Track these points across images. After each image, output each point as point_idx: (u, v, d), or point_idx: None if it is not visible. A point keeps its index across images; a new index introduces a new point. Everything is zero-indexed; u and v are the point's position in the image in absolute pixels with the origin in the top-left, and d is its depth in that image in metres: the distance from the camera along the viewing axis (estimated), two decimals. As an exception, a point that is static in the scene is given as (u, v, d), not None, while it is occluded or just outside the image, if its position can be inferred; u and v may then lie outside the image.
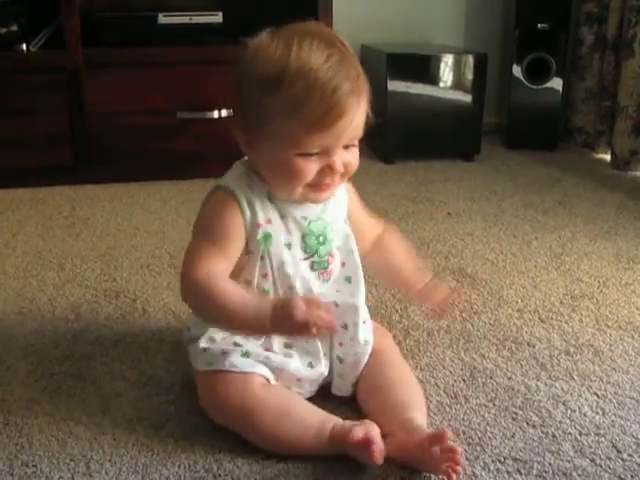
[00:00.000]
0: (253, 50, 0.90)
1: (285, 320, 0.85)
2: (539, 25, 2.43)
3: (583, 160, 2.43)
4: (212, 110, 2.07)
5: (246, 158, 0.99)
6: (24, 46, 1.99)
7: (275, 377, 0.96)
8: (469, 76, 2.34)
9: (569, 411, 1.00)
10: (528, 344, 1.18)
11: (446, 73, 2.34)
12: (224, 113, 2.08)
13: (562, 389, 1.05)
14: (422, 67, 2.33)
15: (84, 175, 2.07)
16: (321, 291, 0.98)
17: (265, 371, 0.95)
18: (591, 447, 0.92)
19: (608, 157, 2.37)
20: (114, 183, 2.07)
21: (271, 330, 0.89)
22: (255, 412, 0.90)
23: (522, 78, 2.47)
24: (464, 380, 1.07)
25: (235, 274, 0.95)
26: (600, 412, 0.99)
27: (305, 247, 0.96)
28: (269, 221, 0.94)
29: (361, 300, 1.01)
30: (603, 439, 0.94)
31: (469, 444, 0.92)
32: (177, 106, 2.07)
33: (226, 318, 0.91)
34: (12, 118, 1.99)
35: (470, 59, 2.34)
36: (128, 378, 1.08)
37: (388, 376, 0.98)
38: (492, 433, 0.94)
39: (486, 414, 0.99)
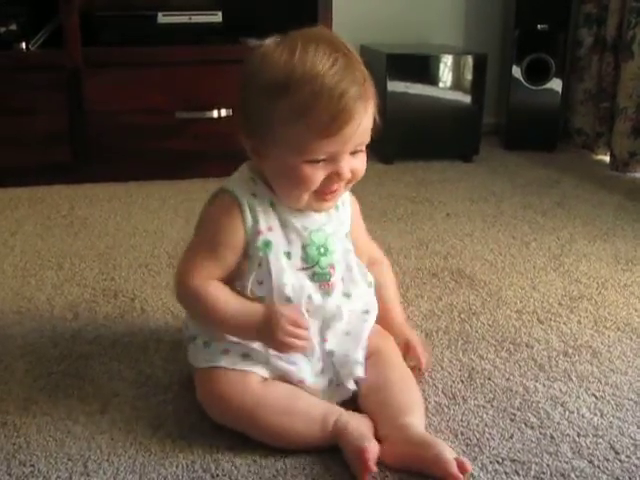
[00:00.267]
0: (259, 56, 0.90)
1: (268, 337, 0.92)
2: (539, 26, 2.43)
3: (582, 161, 2.43)
4: (211, 110, 2.07)
5: (252, 161, 0.98)
6: (23, 45, 1.99)
7: (274, 378, 0.96)
8: (468, 77, 2.34)
9: (567, 412, 1.00)
10: (526, 345, 1.18)
11: (445, 73, 2.34)
12: (223, 113, 2.08)
13: (560, 390, 1.05)
14: (421, 67, 2.33)
15: (83, 174, 2.07)
16: (322, 304, 0.97)
17: (264, 372, 0.95)
18: (589, 448, 0.92)
19: (607, 158, 2.37)
20: (113, 182, 2.07)
21: (257, 340, 0.94)
22: (257, 410, 0.90)
23: (521, 79, 2.47)
24: (462, 381, 1.07)
25: (230, 278, 0.95)
26: (598, 413, 0.99)
27: (306, 257, 0.96)
28: (270, 229, 0.94)
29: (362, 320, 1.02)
30: (601, 440, 0.94)
31: (467, 445, 0.92)
32: (176, 106, 2.07)
33: (217, 325, 0.95)
34: (11, 117, 1.99)
35: (469, 60, 2.34)
36: (126, 378, 1.08)
37: (387, 378, 0.97)
38: (490, 434, 0.94)
39: (484, 415, 0.99)
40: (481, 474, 0.87)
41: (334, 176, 0.90)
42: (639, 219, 1.82)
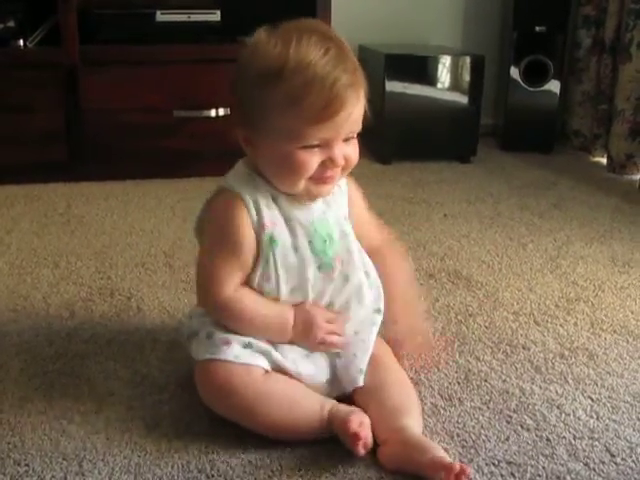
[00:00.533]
0: (252, 47, 0.91)
1: (306, 336, 0.96)
2: (537, 27, 2.43)
3: (579, 163, 2.43)
4: (209, 109, 2.07)
5: (247, 158, 0.99)
6: (21, 42, 1.99)
7: (274, 369, 0.96)
8: (466, 78, 2.34)
9: (563, 415, 1.00)
10: (523, 347, 1.18)
11: (443, 74, 2.34)
12: (221, 112, 2.07)
13: (556, 392, 1.05)
14: (420, 68, 2.33)
15: (79, 172, 2.06)
16: (324, 291, 0.98)
17: (265, 364, 0.95)
18: (585, 451, 0.92)
19: (604, 160, 2.37)
20: (110, 181, 2.06)
21: (294, 340, 0.97)
22: (258, 402, 0.90)
23: (519, 80, 2.47)
24: (459, 382, 1.07)
25: None
26: (594, 416, 0.99)
27: (313, 249, 0.96)
28: (274, 223, 0.95)
29: (358, 300, 1.02)
30: (597, 443, 0.94)
31: (463, 447, 0.92)
32: (174, 104, 2.06)
33: (253, 332, 0.96)
34: (8, 114, 1.98)
35: (467, 61, 2.34)
36: (122, 377, 1.07)
37: (384, 380, 0.97)
38: (486, 436, 0.94)
39: (480, 417, 0.99)
40: (477, 476, 0.87)
41: (328, 162, 0.91)
42: (636, 221, 1.82)
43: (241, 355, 0.94)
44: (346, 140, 0.92)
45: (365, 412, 0.94)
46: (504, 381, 1.08)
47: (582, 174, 2.27)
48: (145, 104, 2.05)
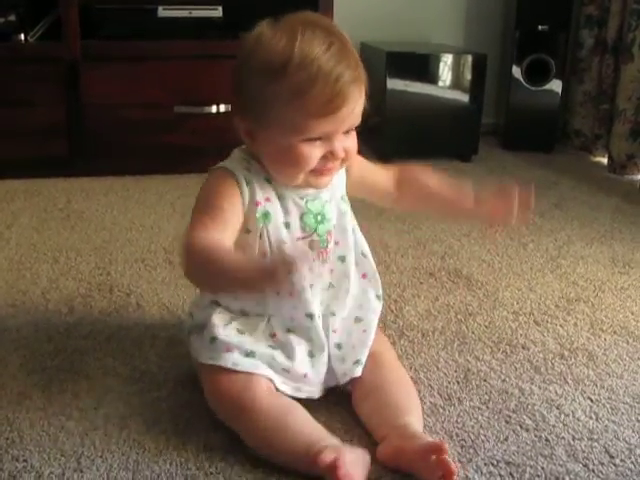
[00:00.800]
0: (255, 40, 0.91)
1: (271, 273, 0.82)
2: (539, 27, 2.42)
3: (580, 163, 2.43)
4: (210, 105, 2.06)
5: (244, 146, 1.00)
6: (22, 36, 1.98)
7: (282, 380, 0.94)
8: (468, 76, 2.33)
9: (563, 415, 0.99)
10: (523, 347, 1.18)
11: (445, 73, 2.34)
12: (222, 108, 2.07)
13: (556, 393, 1.05)
14: (421, 66, 2.32)
15: (80, 167, 2.06)
16: (320, 271, 0.99)
17: (270, 373, 0.94)
18: (584, 452, 0.92)
19: (605, 160, 2.37)
20: (110, 176, 2.06)
21: (258, 285, 0.85)
22: (251, 413, 0.89)
23: (521, 79, 2.46)
24: (458, 382, 1.07)
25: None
26: (594, 417, 0.99)
27: (304, 226, 0.97)
28: (268, 199, 0.96)
29: (353, 281, 1.02)
30: (596, 444, 0.93)
31: (462, 447, 0.92)
32: (175, 100, 2.06)
33: (220, 278, 0.89)
34: (8, 109, 1.98)
35: (469, 59, 2.33)
36: (121, 374, 1.07)
37: (384, 378, 0.97)
38: (485, 436, 0.94)
39: (479, 417, 0.99)
40: (475, 476, 0.86)
41: (329, 155, 0.92)
42: (636, 222, 1.82)
43: (240, 363, 0.93)
44: (346, 132, 0.93)
45: (365, 412, 0.94)
46: (503, 381, 1.08)
47: (583, 174, 2.27)
48: (146, 100, 2.05)
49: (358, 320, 1.02)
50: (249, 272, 0.85)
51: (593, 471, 0.88)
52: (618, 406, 1.02)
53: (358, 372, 0.98)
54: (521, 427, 0.96)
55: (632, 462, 0.90)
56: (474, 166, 2.33)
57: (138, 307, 1.29)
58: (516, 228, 1.74)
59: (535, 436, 0.95)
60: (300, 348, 0.97)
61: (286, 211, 0.97)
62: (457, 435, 0.94)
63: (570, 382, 1.08)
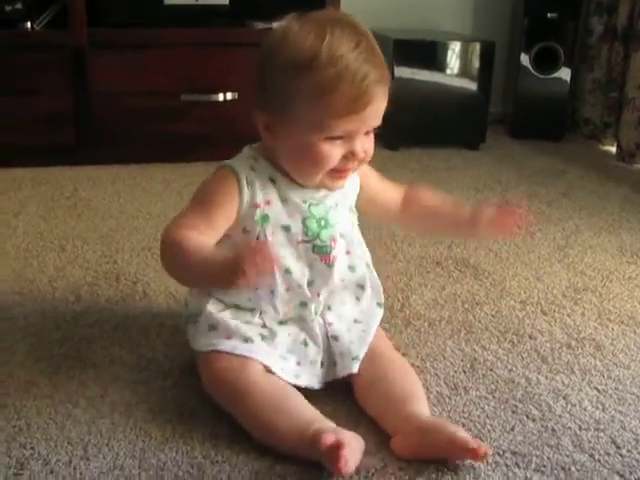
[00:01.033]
0: (282, 34, 0.91)
1: (233, 270, 0.84)
2: (548, 14, 2.40)
3: (589, 152, 2.41)
4: (217, 93, 2.06)
5: (256, 144, 1.00)
6: (28, 24, 1.97)
7: (280, 366, 0.94)
8: (476, 64, 2.32)
9: (569, 405, 0.99)
10: (530, 336, 1.18)
11: (453, 60, 2.32)
12: (229, 96, 2.06)
13: (563, 383, 1.05)
14: (429, 54, 2.31)
15: (87, 156, 2.06)
16: (323, 276, 0.99)
17: (267, 358, 0.94)
18: (590, 442, 0.92)
19: (614, 149, 2.35)
20: (116, 164, 2.06)
21: (221, 280, 0.88)
22: (246, 395, 0.89)
23: (530, 67, 2.45)
24: (464, 371, 1.07)
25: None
26: (600, 407, 0.99)
27: (306, 230, 0.97)
28: (268, 202, 0.96)
29: (363, 290, 1.03)
30: (602, 434, 0.93)
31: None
32: (181, 88, 2.05)
33: (187, 267, 0.92)
34: (15, 97, 1.98)
35: (477, 47, 2.32)
36: (127, 362, 1.07)
37: (385, 369, 0.97)
38: (491, 426, 0.94)
39: (486, 406, 0.98)
40: (481, 466, 0.86)
41: (349, 155, 0.92)
42: (645, 211, 1.81)
43: (239, 348, 0.94)
44: (366, 133, 0.93)
45: (369, 405, 0.94)
46: (510, 370, 1.07)
47: (591, 163, 2.25)
48: (152, 88, 2.04)
49: (357, 321, 1.03)
50: (214, 266, 0.88)
51: (599, 461, 0.88)
52: (625, 396, 1.02)
53: (355, 369, 0.97)
54: (527, 417, 0.96)
55: (639, 453, 0.90)
56: (482, 154, 2.32)
57: (145, 295, 1.29)
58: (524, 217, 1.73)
59: (541, 426, 0.94)
60: (292, 337, 0.98)
61: (288, 214, 0.96)
62: (463, 425, 0.94)
63: (577, 372, 1.08)
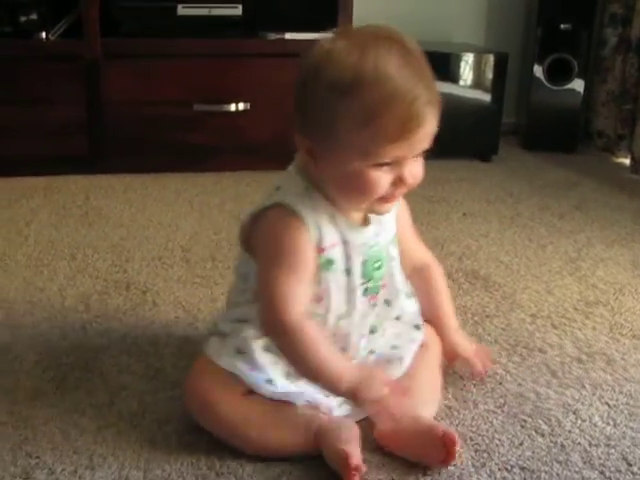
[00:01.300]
0: (325, 52, 0.83)
1: (360, 397, 0.86)
2: (562, 25, 2.39)
3: (602, 164, 2.40)
4: (229, 103, 2.06)
5: (299, 165, 0.92)
6: (43, 35, 1.99)
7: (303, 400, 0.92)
8: (489, 75, 2.31)
9: (579, 420, 0.98)
10: (540, 350, 1.17)
11: (466, 72, 2.32)
12: (241, 106, 2.07)
13: (573, 397, 1.03)
14: (442, 65, 2.30)
15: (99, 165, 2.07)
16: (368, 317, 0.96)
17: (284, 396, 0.91)
18: (600, 458, 0.90)
19: (628, 161, 2.33)
20: (129, 174, 2.06)
21: (343, 396, 0.89)
22: (241, 426, 0.88)
23: (543, 79, 2.43)
24: (474, 385, 1.06)
25: None
26: (611, 423, 0.98)
27: (363, 273, 0.93)
28: (333, 245, 0.90)
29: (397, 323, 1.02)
30: (613, 451, 0.92)
31: (476, 451, 0.91)
32: (194, 98, 2.06)
33: (309, 370, 0.88)
34: (29, 106, 1.99)
35: (490, 58, 2.31)
36: (135, 372, 1.07)
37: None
38: (500, 440, 0.93)
39: (494, 420, 0.97)
40: (489, 481, 0.85)
41: (398, 182, 0.86)
42: (659, 224, 1.79)
43: (261, 387, 0.90)
44: (414, 157, 0.87)
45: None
46: (519, 384, 1.06)
47: (605, 175, 2.24)
48: (165, 97, 2.06)
49: (394, 347, 1.01)
50: (335, 383, 0.86)
51: (610, 479, 0.87)
52: (636, 412, 1.00)
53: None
54: (536, 432, 0.95)
55: (650, 470, 0.89)
56: (494, 166, 2.31)
57: (154, 305, 1.29)
58: (536, 229, 1.72)
59: (550, 441, 0.93)
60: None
61: (348, 257, 0.91)
62: (471, 439, 0.93)
63: (587, 387, 1.06)
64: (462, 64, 2.31)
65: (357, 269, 0.92)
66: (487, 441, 0.93)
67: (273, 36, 2.08)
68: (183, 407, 0.96)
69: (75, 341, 1.16)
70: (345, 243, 0.91)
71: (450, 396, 1.03)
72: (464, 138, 2.36)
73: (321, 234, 0.88)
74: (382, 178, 0.84)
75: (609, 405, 1.02)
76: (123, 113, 2.04)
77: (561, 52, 2.40)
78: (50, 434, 0.92)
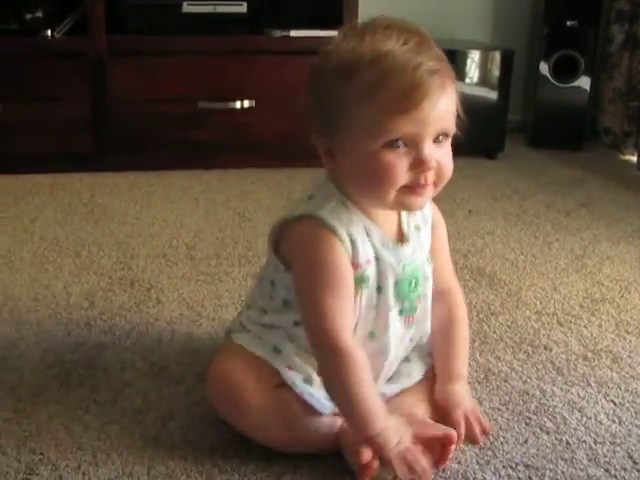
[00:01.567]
0: (327, 49, 0.84)
1: (385, 444, 0.82)
2: (568, 22, 2.38)
3: (609, 161, 2.38)
4: (234, 100, 2.06)
5: (329, 175, 0.88)
6: (49, 32, 2.00)
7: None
8: (495, 72, 2.31)
9: (584, 418, 0.97)
10: (545, 348, 1.16)
11: (472, 69, 2.31)
12: (246, 104, 2.07)
13: (578, 395, 1.03)
14: (448, 62, 2.29)
15: (104, 162, 2.07)
16: (404, 337, 0.93)
17: (317, 402, 0.88)
18: (606, 456, 0.90)
19: (635, 159, 2.32)
20: (134, 171, 2.07)
21: (368, 438, 0.83)
22: (267, 417, 0.87)
23: (549, 76, 2.43)
24: (478, 382, 1.06)
25: None
26: (617, 420, 0.97)
27: (397, 293, 0.89)
28: (369, 262, 0.86)
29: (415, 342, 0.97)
30: (619, 448, 0.91)
31: (480, 448, 0.90)
32: (199, 96, 2.06)
33: (348, 400, 0.84)
34: (35, 103, 2.00)
35: (497, 55, 2.30)
36: (139, 368, 1.07)
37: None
38: (504, 438, 0.93)
39: (499, 418, 0.97)
40: (493, 479, 0.85)
41: (418, 165, 0.80)
42: (666, 221, 1.78)
43: (298, 385, 0.87)
44: (437, 142, 0.82)
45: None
46: (524, 382, 1.06)
47: (611, 172, 2.23)
48: (171, 95, 2.06)
49: (406, 360, 0.98)
50: (361, 422, 0.83)
51: (615, 477, 0.86)
52: (642, 410, 1.00)
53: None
54: (541, 429, 0.95)
55: (656, 468, 0.88)
56: (500, 163, 2.30)
57: (158, 302, 1.29)
58: (542, 227, 1.72)
59: (556, 439, 0.93)
60: None
61: (381, 274, 0.87)
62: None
63: (593, 384, 1.06)
64: (468, 61, 2.30)
65: (389, 288, 0.88)
66: (492, 439, 0.92)
67: (278, 33, 2.08)
68: (191, 406, 0.96)
69: (79, 338, 1.16)
70: (378, 259, 0.87)
71: (455, 393, 1.02)
72: (470, 135, 2.32)
73: (355, 249, 0.84)
74: (397, 160, 0.80)
75: (614, 403, 1.01)
76: (128, 110, 2.04)
77: (567, 49, 2.39)
78: (54, 430, 0.92)
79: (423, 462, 0.82)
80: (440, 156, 0.83)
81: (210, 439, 0.91)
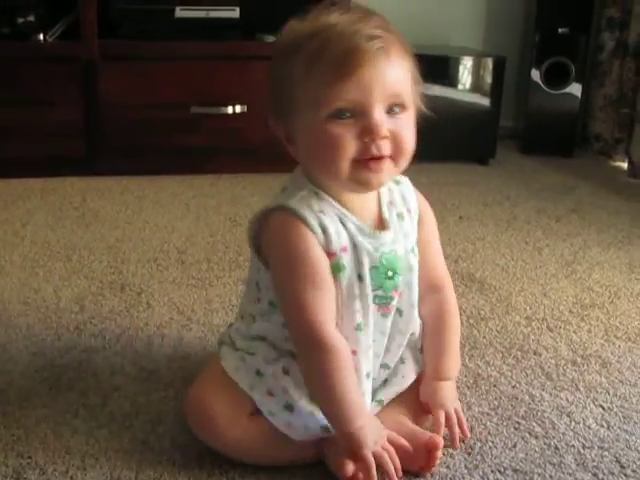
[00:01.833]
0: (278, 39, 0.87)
1: (358, 439, 0.82)
2: (559, 29, 2.40)
3: (599, 168, 2.40)
4: (226, 105, 2.06)
5: (302, 170, 0.88)
6: (41, 36, 1.99)
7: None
8: (487, 79, 2.32)
9: (573, 423, 0.98)
10: (534, 353, 1.16)
11: (464, 75, 2.32)
12: (238, 109, 2.07)
13: (567, 400, 1.03)
14: (440, 69, 2.30)
15: (96, 167, 2.07)
16: (378, 327, 0.90)
17: (297, 432, 0.86)
18: (594, 461, 0.90)
19: (625, 165, 2.34)
20: (125, 176, 2.06)
21: (348, 435, 0.82)
22: (243, 444, 0.86)
23: (540, 82, 2.44)
24: (467, 387, 1.06)
25: None
26: (605, 425, 0.98)
27: (371, 280, 0.87)
28: (344, 250, 0.84)
29: (407, 337, 0.94)
30: (607, 453, 0.92)
31: (469, 453, 0.91)
32: (191, 101, 2.06)
33: (330, 395, 0.83)
34: (26, 107, 1.99)
35: (489, 62, 2.31)
36: (129, 373, 1.07)
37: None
38: (493, 442, 0.93)
39: (488, 422, 0.97)
40: (482, 483, 0.85)
41: (366, 133, 0.79)
42: (655, 228, 1.79)
43: (276, 414, 0.86)
44: (391, 113, 0.81)
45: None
46: (514, 387, 1.06)
47: (602, 179, 2.24)
48: (162, 100, 2.05)
49: (402, 361, 0.96)
50: (340, 418, 0.82)
51: (603, 481, 0.87)
52: (630, 414, 1.00)
53: (375, 410, 0.92)
54: (530, 434, 0.95)
55: (643, 472, 0.88)
56: (491, 170, 2.31)
57: (148, 306, 1.29)
58: (533, 233, 1.72)
59: (544, 444, 0.93)
60: None
61: (359, 262, 0.85)
62: (464, 441, 0.93)
63: (582, 389, 1.06)
64: (460, 68, 2.31)
65: (366, 274, 0.86)
66: (480, 443, 0.93)
67: (270, 39, 2.08)
68: (179, 411, 0.96)
69: (69, 342, 1.15)
70: (355, 247, 0.85)
71: (444, 398, 1.02)
72: (462, 141, 2.36)
73: (328, 237, 0.83)
74: (344, 131, 0.79)
75: (603, 407, 1.02)
76: (120, 115, 2.04)
77: (559, 56, 2.40)
78: (42, 434, 0.92)
79: (395, 463, 0.83)
80: (396, 127, 0.81)
81: (199, 443, 0.90)
